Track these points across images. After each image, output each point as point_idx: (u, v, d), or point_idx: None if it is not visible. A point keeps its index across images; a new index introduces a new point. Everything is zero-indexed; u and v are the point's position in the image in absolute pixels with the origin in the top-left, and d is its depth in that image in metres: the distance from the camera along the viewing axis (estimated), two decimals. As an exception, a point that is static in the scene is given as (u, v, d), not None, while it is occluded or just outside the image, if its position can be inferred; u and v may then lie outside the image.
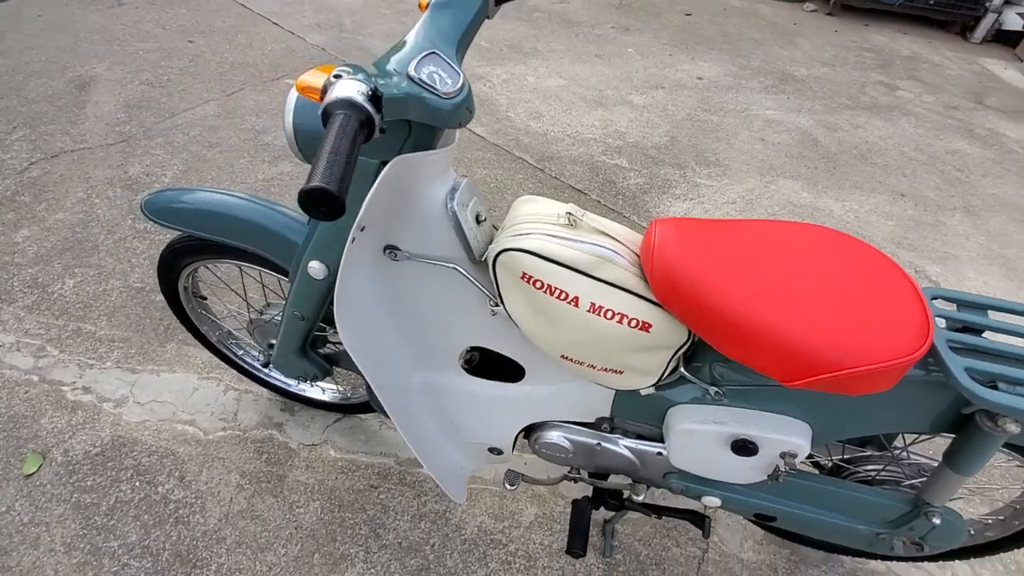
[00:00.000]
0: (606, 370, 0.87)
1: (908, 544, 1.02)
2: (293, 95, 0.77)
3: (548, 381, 0.99)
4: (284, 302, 1.21)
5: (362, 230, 0.77)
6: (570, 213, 0.82)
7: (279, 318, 1.18)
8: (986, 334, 0.84)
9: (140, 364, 1.55)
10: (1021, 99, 3.55)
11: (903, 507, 1.00)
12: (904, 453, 1.05)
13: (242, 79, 2.80)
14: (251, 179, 2.21)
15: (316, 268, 0.92)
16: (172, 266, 1.15)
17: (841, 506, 1.03)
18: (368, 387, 1.18)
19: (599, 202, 2.30)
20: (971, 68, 3.86)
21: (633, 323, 0.80)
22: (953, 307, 0.86)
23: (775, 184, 2.54)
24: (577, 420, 1.02)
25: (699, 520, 1.15)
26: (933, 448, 1.25)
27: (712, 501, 1.04)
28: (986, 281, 2.20)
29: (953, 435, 0.88)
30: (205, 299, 1.32)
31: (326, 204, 0.51)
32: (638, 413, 0.98)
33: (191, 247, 1.09)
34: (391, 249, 0.84)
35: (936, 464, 1.03)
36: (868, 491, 1.02)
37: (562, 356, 0.87)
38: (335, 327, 1.00)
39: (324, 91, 0.63)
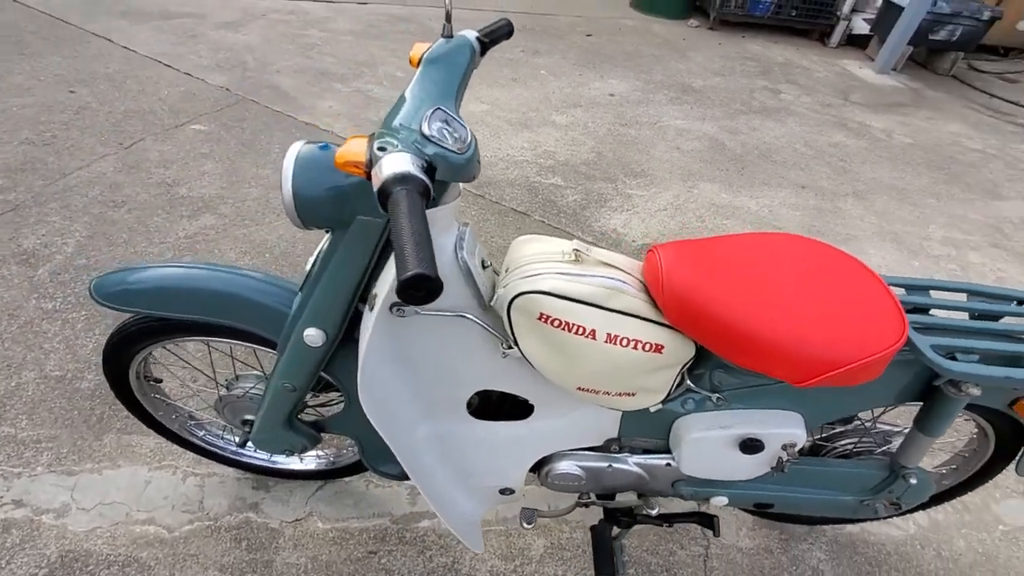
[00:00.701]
0: (620, 394, 0.89)
1: (888, 505, 1.13)
2: (291, 158, 0.72)
3: (557, 413, 0.99)
4: (258, 373, 1.12)
5: (374, 296, 0.74)
6: (577, 250, 0.84)
7: (255, 391, 1.09)
8: (932, 311, 0.96)
9: (77, 464, 1.35)
10: (877, 94, 4.09)
11: (882, 473, 1.10)
12: (873, 425, 1.16)
13: (140, 128, 2.57)
14: (170, 237, 2.03)
15: (313, 335, 0.86)
16: (124, 351, 1.02)
17: (828, 482, 1.11)
18: (360, 447, 1.11)
19: (543, 222, 2.35)
20: (834, 69, 4.40)
21: (647, 347, 0.83)
22: (903, 291, 0.97)
23: (697, 188, 2.73)
24: (586, 446, 1.03)
25: (708, 520, 1.19)
26: (891, 416, 1.38)
27: (720, 500, 1.09)
28: (883, 256, 2.49)
29: (919, 403, 0.99)
30: (160, 382, 1.19)
31: (425, 288, 0.49)
32: (645, 429, 1.01)
33: (149, 328, 0.98)
34: (397, 307, 0.81)
35: (898, 429, 1.15)
36: (850, 464, 1.11)
37: (578, 388, 0.88)
38: (314, 391, 0.95)
39: (369, 165, 0.60)
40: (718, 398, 0.95)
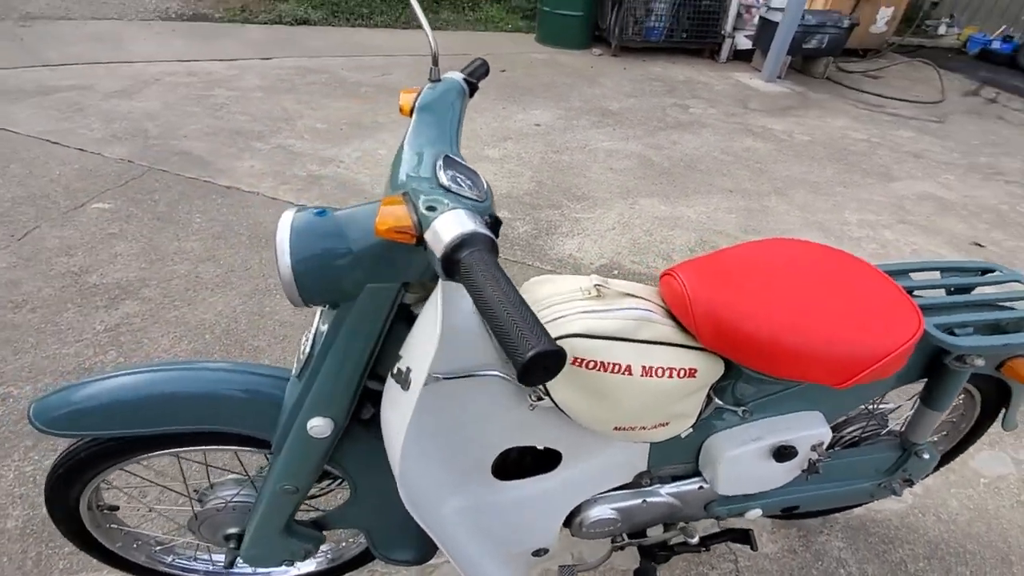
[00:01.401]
0: (656, 426, 0.84)
1: (902, 483, 1.15)
2: (285, 229, 0.62)
3: (588, 457, 0.92)
4: (237, 477, 0.96)
5: (403, 371, 0.65)
6: (598, 285, 0.80)
7: (239, 498, 0.93)
8: (915, 292, 1.01)
9: (7, 630, 1.10)
10: (771, 100, 4.48)
11: (895, 453, 1.12)
12: (876, 407, 1.19)
13: (33, 215, 2.27)
14: (87, 334, 1.77)
15: (320, 426, 0.74)
16: (73, 481, 0.84)
17: (848, 473, 1.12)
18: (370, 538, 0.98)
19: (502, 257, 2.30)
20: (729, 82, 4.77)
21: (681, 373, 0.79)
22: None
23: (638, 204, 2.81)
24: (616, 485, 0.97)
25: (744, 535, 1.15)
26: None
27: (754, 513, 1.06)
28: (816, 245, 2.66)
29: (924, 379, 1.02)
30: (117, 509, 0.99)
31: (552, 365, 0.42)
32: (674, 456, 0.97)
33: (104, 450, 0.81)
34: (433, 378, 0.72)
35: (895, 407, 1.19)
36: (865, 451, 1.13)
37: (615, 428, 0.82)
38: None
39: (419, 228, 0.53)
40: (743, 411, 0.93)
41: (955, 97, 5.01)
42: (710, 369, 0.82)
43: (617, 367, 0.76)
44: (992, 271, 1.04)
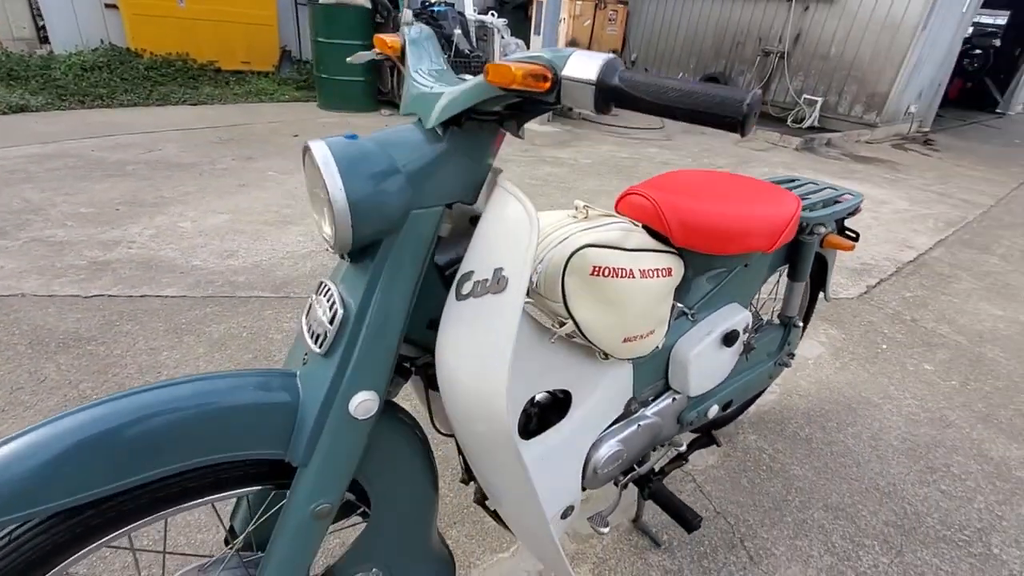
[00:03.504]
0: (649, 334, 0.91)
1: (787, 357, 1.40)
2: (326, 159, 0.54)
3: (591, 391, 0.94)
4: (206, 556, 0.69)
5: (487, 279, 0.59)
6: (586, 206, 0.88)
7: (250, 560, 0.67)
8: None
9: None
10: (550, 138, 5.16)
11: (778, 333, 1.36)
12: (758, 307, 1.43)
13: None
14: None
15: (368, 401, 0.61)
16: None
17: (757, 356, 1.32)
18: (388, 573, 0.79)
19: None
20: (510, 127, 5.37)
21: (664, 273, 0.89)
22: None
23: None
24: (613, 420, 1.00)
25: (709, 437, 1.27)
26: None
27: (713, 410, 1.19)
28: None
29: (786, 265, 1.29)
30: None
31: (754, 104, 0.44)
32: (649, 376, 1.05)
33: (70, 526, 0.51)
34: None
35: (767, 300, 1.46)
36: (763, 335, 1.33)
37: (624, 340, 0.87)
38: None
39: (554, 71, 0.50)
40: (692, 315, 1.08)
41: (669, 123, 6.46)
42: (677, 269, 0.94)
43: (623, 272, 0.83)
44: (793, 180, 1.37)
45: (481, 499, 0.97)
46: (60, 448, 0.49)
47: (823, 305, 2.41)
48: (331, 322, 0.60)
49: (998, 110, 10.64)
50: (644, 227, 0.92)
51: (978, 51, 10.28)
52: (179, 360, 1.68)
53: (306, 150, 0.56)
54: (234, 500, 0.83)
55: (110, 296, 1.99)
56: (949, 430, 1.71)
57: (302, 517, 0.62)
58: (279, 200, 3.00)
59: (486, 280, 0.60)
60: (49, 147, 3.51)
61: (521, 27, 6.20)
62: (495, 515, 0.97)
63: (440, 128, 0.61)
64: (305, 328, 0.64)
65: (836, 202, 1.28)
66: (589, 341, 0.84)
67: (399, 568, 0.80)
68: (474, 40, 5.68)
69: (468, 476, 0.99)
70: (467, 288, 0.62)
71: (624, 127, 5.87)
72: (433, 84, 0.64)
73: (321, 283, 0.65)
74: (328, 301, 0.61)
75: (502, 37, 5.64)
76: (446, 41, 5.48)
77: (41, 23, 5.41)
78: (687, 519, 1.07)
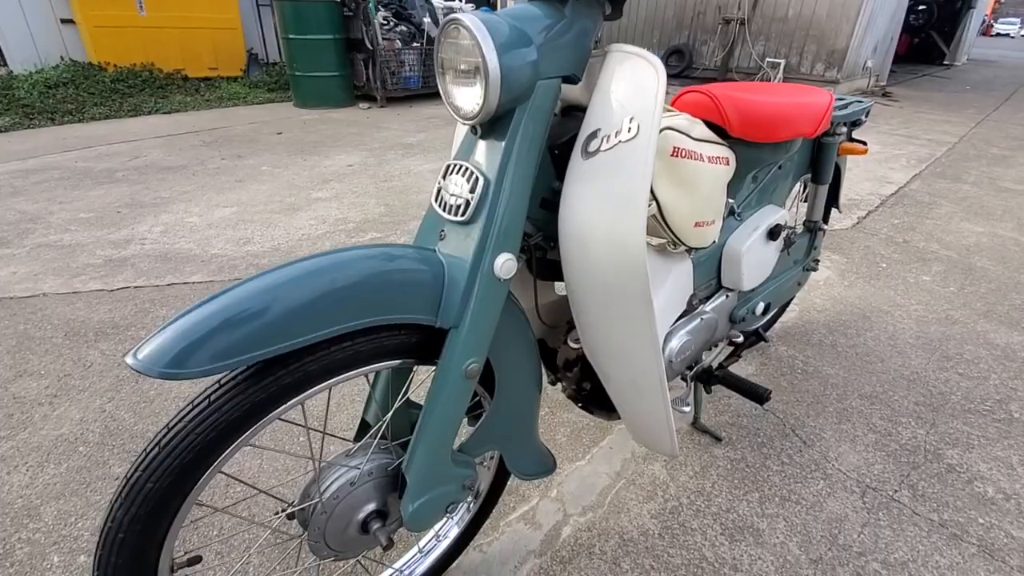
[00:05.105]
0: (711, 223, 0.98)
1: (814, 263, 1.50)
2: (478, 26, 0.59)
3: (659, 286, 1.01)
4: (352, 445, 0.75)
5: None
6: None
7: (374, 460, 0.73)
8: None
9: None
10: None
11: (805, 240, 1.46)
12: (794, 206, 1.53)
13: None
14: None
15: (509, 261, 0.67)
16: (181, 486, 0.55)
17: (784, 263, 1.41)
18: (507, 455, 0.86)
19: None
20: (489, 110, 5.41)
21: (724, 161, 0.96)
22: None
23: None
24: (679, 313, 1.08)
25: (758, 335, 1.35)
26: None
27: (760, 307, 1.28)
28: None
29: (809, 174, 1.39)
30: (199, 561, 0.65)
31: None
32: (705, 274, 1.13)
33: (264, 386, 0.58)
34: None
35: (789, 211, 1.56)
36: (795, 240, 1.43)
37: (695, 224, 0.93)
38: None
39: None
40: (739, 214, 1.16)
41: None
42: (732, 160, 1.01)
43: (696, 155, 0.89)
44: None
45: (573, 394, 1.04)
46: (263, 303, 0.54)
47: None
48: (472, 191, 0.66)
49: (945, 62, 11.11)
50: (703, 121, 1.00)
51: (922, 7, 10.70)
52: (223, 335, 1.70)
53: (451, 24, 0.62)
54: (365, 401, 0.88)
55: (136, 287, 1.99)
56: (955, 326, 1.84)
57: (456, 376, 0.68)
58: (280, 191, 3.01)
59: (617, 131, 0.66)
60: (30, 162, 3.43)
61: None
62: (586, 406, 1.04)
63: (560, 3, 0.67)
64: (438, 207, 0.69)
65: (847, 107, 1.38)
66: (666, 225, 0.90)
67: (512, 451, 0.86)
68: (444, 27, 5.70)
69: (556, 378, 1.06)
70: (595, 145, 0.68)
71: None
72: None
73: (448, 166, 0.70)
74: (466, 175, 0.67)
75: (472, 22, 5.67)
76: (417, 30, 5.49)
77: (-5, 44, 5.24)
78: (759, 393, 1.16)
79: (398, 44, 5.31)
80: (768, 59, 6.78)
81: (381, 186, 3.11)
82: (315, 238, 2.43)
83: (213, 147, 3.86)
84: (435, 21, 5.57)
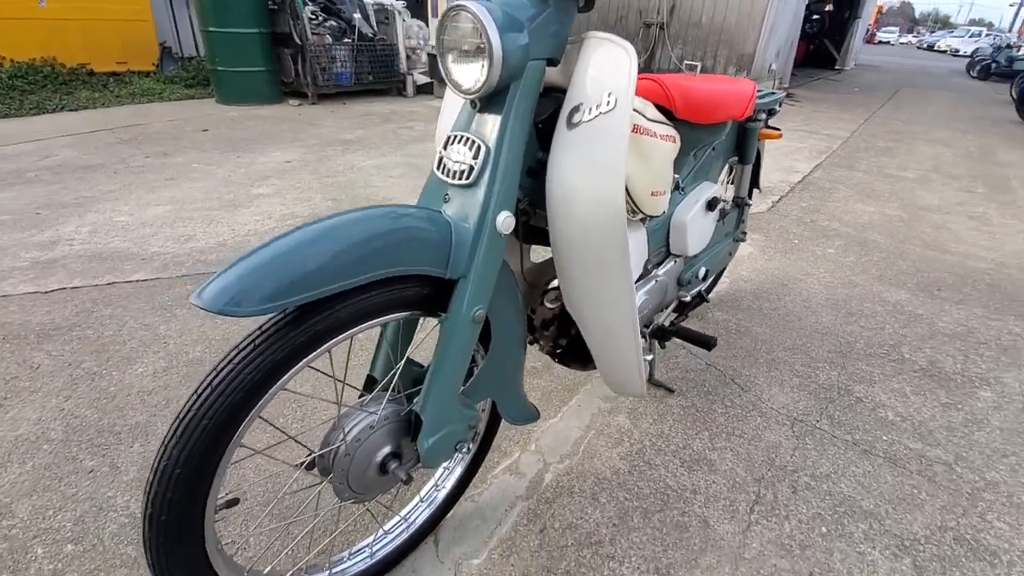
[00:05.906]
0: (663, 193, 1.10)
1: (742, 235, 1.71)
2: (482, 13, 0.68)
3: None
4: (360, 402, 0.82)
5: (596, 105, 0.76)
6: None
7: (393, 405, 0.81)
8: None
9: None
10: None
11: (735, 213, 1.66)
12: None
13: None
14: None
15: (508, 218, 0.76)
16: (227, 428, 0.60)
17: (719, 232, 1.60)
18: (500, 404, 0.96)
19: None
20: (426, 108, 5.43)
21: (671, 139, 1.10)
22: None
23: (433, 194, 3.02)
24: (637, 277, 1.21)
25: (701, 297, 1.50)
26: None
27: (701, 272, 1.45)
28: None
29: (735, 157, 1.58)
30: (237, 503, 0.69)
31: None
32: (656, 242, 1.27)
33: (283, 346, 0.63)
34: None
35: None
36: (727, 214, 1.62)
37: (651, 193, 1.06)
38: None
39: None
40: (682, 188, 1.33)
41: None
42: (677, 139, 1.14)
43: (651, 132, 1.02)
44: None
45: (551, 350, 1.14)
46: (305, 253, 0.61)
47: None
48: (475, 158, 0.74)
49: (836, 67, 12.32)
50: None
51: (816, 16, 11.80)
52: (180, 330, 1.67)
53: (456, 10, 0.70)
54: (372, 355, 0.94)
55: (73, 288, 1.89)
56: (856, 288, 2.13)
57: (465, 322, 0.76)
58: (217, 188, 2.91)
59: (598, 104, 0.77)
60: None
61: (420, 10, 6.24)
62: (563, 359, 1.15)
63: None
64: (441, 173, 0.78)
65: (765, 97, 1.59)
66: (627, 193, 1.03)
67: (504, 401, 0.96)
68: (374, 23, 5.66)
69: (533, 338, 1.16)
70: (577, 117, 0.79)
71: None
72: None
73: (449, 137, 0.78)
74: (467, 144, 0.76)
75: (403, 20, 5.68)
76: (348, 26, 5.42)
77: None
78: (707, 340, 1.31)
79: (328, 39, 5.21)
80: (686, 61, 7.26)
81: (325, 181, 3.09)
82: (262, 233, 2.39)
83: (132, 145, 3.64)
84: (365, 17, 5.52)
